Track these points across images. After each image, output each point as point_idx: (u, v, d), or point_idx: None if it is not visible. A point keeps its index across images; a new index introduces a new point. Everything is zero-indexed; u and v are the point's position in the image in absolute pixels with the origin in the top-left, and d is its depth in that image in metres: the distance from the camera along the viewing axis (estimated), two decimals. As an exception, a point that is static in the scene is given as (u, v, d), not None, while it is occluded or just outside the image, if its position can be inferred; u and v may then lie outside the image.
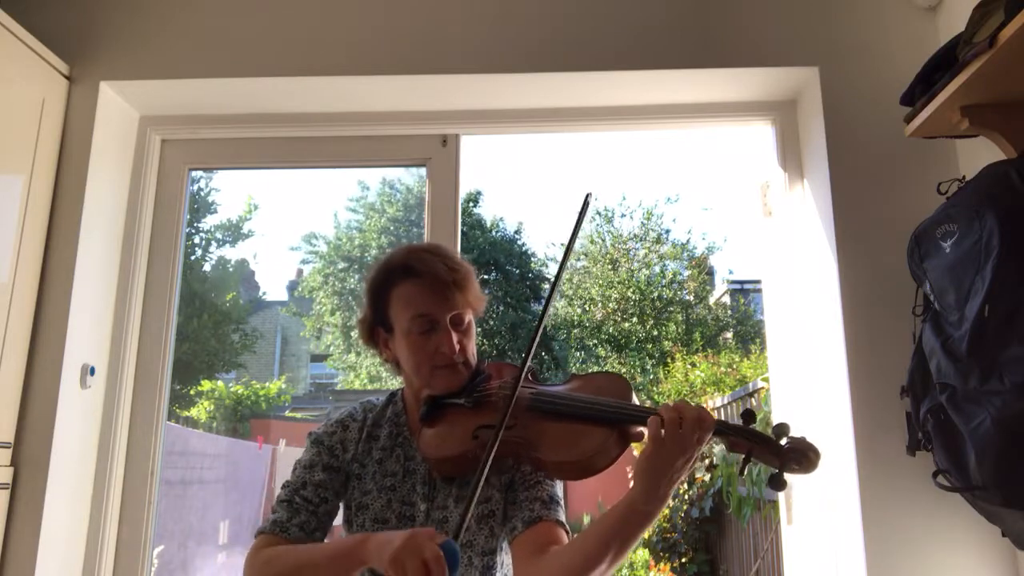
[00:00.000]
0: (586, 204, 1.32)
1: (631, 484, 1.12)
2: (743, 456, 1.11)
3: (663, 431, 1.07)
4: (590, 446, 1.16)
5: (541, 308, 1.28)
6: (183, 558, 4.92)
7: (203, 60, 2.05)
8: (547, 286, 12.54)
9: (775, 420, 2.11)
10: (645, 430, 1.12)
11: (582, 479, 1.21)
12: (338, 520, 1.40)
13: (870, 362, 1.80)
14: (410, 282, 1.33)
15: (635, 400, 1.25)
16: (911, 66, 1.66)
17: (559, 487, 1.31)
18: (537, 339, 1.21)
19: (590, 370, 10.81)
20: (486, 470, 1.09)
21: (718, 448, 6.05)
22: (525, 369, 1.20)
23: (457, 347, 1.32)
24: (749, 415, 1.12)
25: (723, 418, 6.06)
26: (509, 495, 1.29)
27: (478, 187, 12.29)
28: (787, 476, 1.08)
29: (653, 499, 1.08)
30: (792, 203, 2.09)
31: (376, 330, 1.39)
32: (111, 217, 2.09)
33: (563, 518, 1.26)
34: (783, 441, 1.09)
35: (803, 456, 1.07)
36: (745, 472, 1.16)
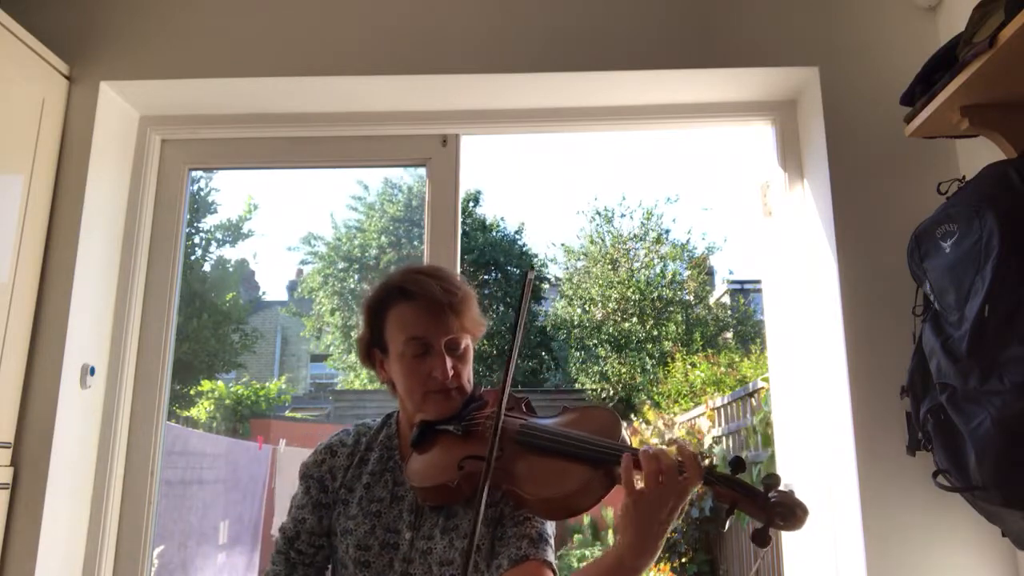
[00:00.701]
0: (527, 280, 1.25)
1: (617, 537, 1.08)
2: (726, 507, 1.06)
3: (639, 482, 1.02)
4: (572, 485, 1.12)
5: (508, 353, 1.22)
6: (183, 558, 4.92)
7: (203, 60, 2.05)
8: (547, 286, 12.55)
9: (775, 420, 2.12)
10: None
11: (565, 519, 1.17)
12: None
13: (870, 362, 1.80)
14: (405, 304, 1.31)
15: (624, 435, 1.20)
16: (911, 66, 1.66)
17: (550, 526, 1.26)
18: (510, 374, 1.17)
19: (586, 386, 10.81)
20: (482, 509, 1.06)
21: (719, 448, 6.05)
22: (505, 396, 1.16)
23: (451, 372, 1.29)
24: (739, 463, 1.07)
25: (721, 420, 6.06)
26: (497, 530, 1.25)
27: (478, 187, 12.31)
28: (772, 532, 1.03)
29: (641, 554, 1.02)
30: (792, 203, 2.09)
31: (373, 351, 1.38)
32: (111, 217, 2.09)
33: (551, 558, 1.22)
34: (771, 495, 1.04)
35: (790, 513, 1.02)
36: (727, 525, 1.10)
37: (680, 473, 1.03)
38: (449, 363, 1.29)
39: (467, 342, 1.34)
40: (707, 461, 1.09)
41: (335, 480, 1.35)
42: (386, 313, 1.33)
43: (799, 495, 1.04)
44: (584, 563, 1.08)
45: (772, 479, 1.06)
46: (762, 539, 1.03)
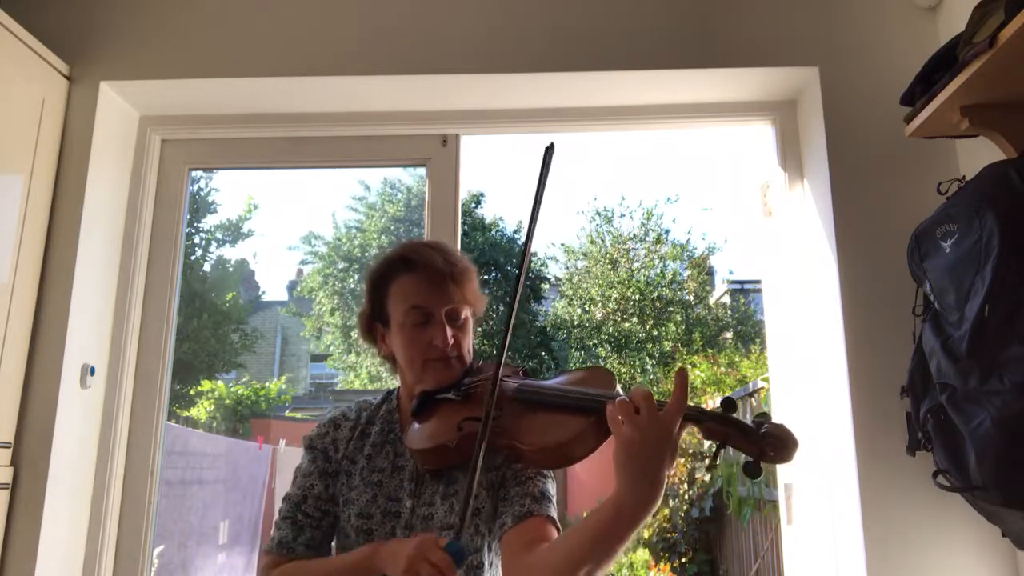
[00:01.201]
0: (548, 155, 1.26)
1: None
2: (717, 444, 1.04)
3: (621, 419, 1.00)
4: (567, 434, 1.14)
5: (517, 281, 1.22)
6: (183, 558, 4.92)
7: (203, 60, 2.05)
8: (547, 286, 12.54)
9: (775, 420, 2.11)
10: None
11: (562, 467, 1.19)
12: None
13: (870, 362, 1.80)
14: (407, 275, 1.34)
15: (619, 389, 1.21)
16: (911, 66, 1.66)
17: (551, 484, 1.28)
18: (516, 307, 1.19)
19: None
20: (480, 462, 1.09)
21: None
22: (504, 352, 1.18)
23: (451, 341, 1.31)
24: (729, 403, 1.05)
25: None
26: (500, 492, 1.27)
27: (481, 188, 12.30)
28: (764, 465, 1.01)
29: (636, 499, 0.99)
30: (792, 203, 2.09)
31: (374, 325, 1.40)
32: (111, 217, 2.09)
33: (554, 514, 1.23)
34: (762, 428, 1.02)
35: (781, 444, 1.00)
36: (719, 460, 1.09)
37: (648, 401, 1.00)
38: (449, 332, 1.31)
39: (467, 313, 1.36)
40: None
41: (337, 451, 1.37)
42: (388, 285, 1.35)
43: (789, 426, 1.03)
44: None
45: (763, 415, 1.06)
46: (753, 470, 1.02)
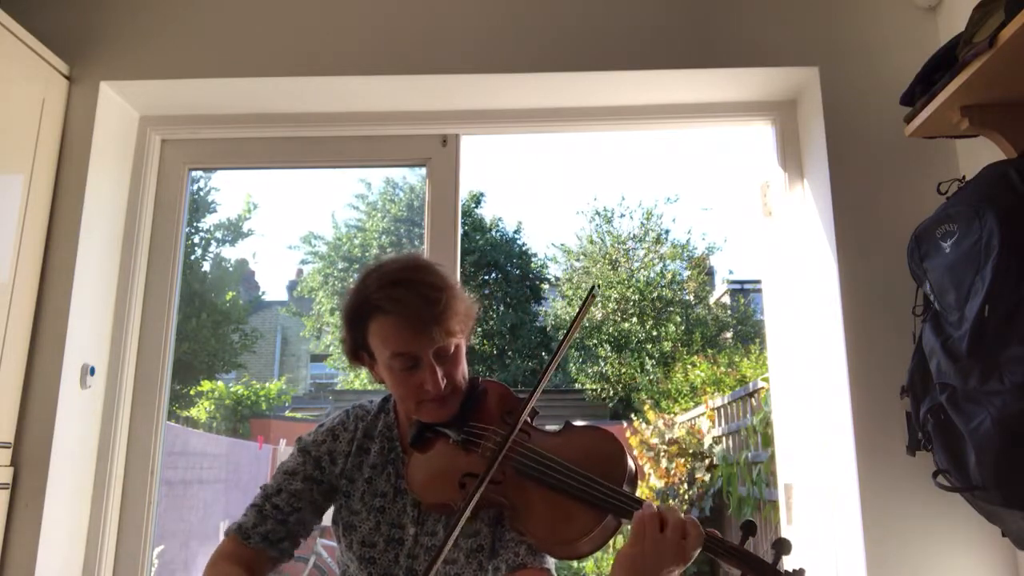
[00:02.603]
0: (591, 296, 1.24)
1: None
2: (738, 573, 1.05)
3: (646, 530, 1.01)
4: (577, 530, 1.09)
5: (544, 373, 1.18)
6: (184, 558, 4.92)
7: (203, 60, 2.05)
8: (547, 286, 12.54)
9: (776, 420, 2.12)
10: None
11: (565, 560, 1.16)
12: (327, 519, 1.38)
13: (870, 362, 1.80)
14: (385, 318, 1.21)
15: (629, 462, 1.17)
16: (911, 66, 1.66)
17: None
18: (535, 398, 1.16)
19: (587, 395, 10.74)
20: (458, 528, 1.05)
21: (719, 448, 6.05)
22: (515, 431, 1.13)
23: (443, 382, 1.23)
24: (749, 527, 1.05)
25: (722, 420, 6.06)
26: (497, 530, 1.24)
27: (481, 189, 12.30)
28: None
29: None
30: (792, 203, 2.09)
31: (360, 354, 1.31)
32: (111, 217, 2.09)
33: (550, 565, 1.20)
34: (779, 570, 1.03)
35: None
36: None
37: (681, 531, 1.02)
38: (440, 372, 1.22)
39: (457, 342, 1.26)
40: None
41: (335, 465, 1.34)
42: (366, 325, 1.24)
43: (808, 574, 1.04)
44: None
45: (782, 546, 1.05)
46: None
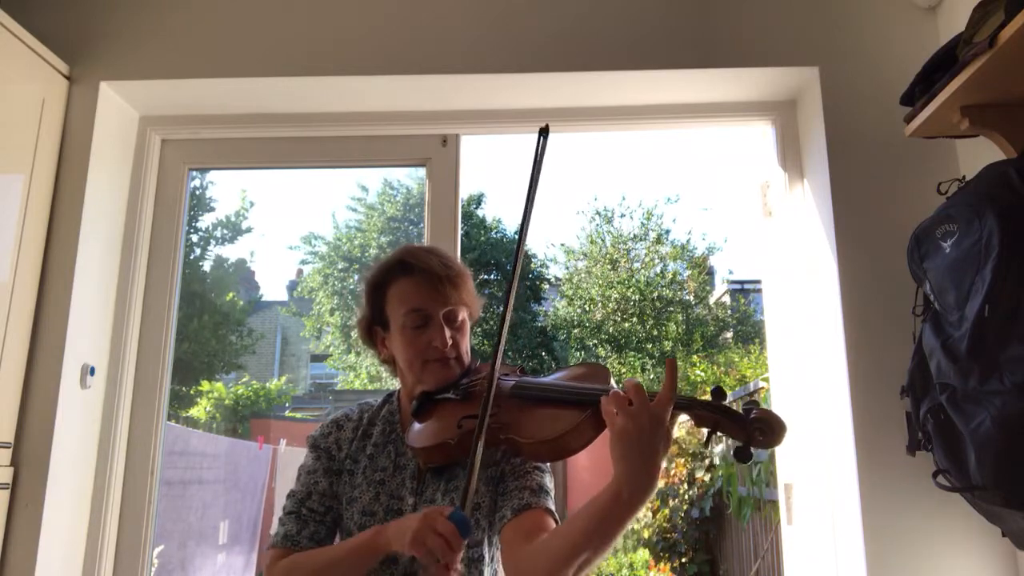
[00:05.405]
0: (543, 137, 1.33)
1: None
2: (708, 430, 1.09)
3: (615, 411, 1.05)
4: (563, 426, 1.18)
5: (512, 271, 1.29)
6: (183, 558, 4.92)
7: (203, 60, 2.05)
8: (547, 286, 12.54)
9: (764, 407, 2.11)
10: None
11: (560, 459, 1.23)
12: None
13: (870, 362, 1.80)
14: (406, 278, 1.37)
15: (613, 383, 1.25)
16: (911, 66, 1.66)
17: (549, 478, 1.32)
18: (512, 301, 1.24)
19: None
20: (480, 445, 1.12)
21: (719, 447, 6.05)
22: (500, 349, 1.22)
23: (449, 342, 1.35)
24: (719, 392, 1.10)
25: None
26: (499, 487, 1.30)
27: (481, 189, 12.29)
28: (754, 449, 1.06)
29: (634, 485, 1.03)
30: (792, 203, 2.09)
31: (374, 328, 1.43)
32: (111, 217, 2.09)
33: (552, 506, 1.27)
34: (751, 413, 1.07)
35: (769, 428, 1.04)
36: (710, 445, 1.13)
37: (639, 392, 1.06)
38: (448, 333, 1.35)
39: (464, 315, 1.40)
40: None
41: (341, 451, 1.40)
42: (387, 289, 1.39)
43: (777, 411, 1.07)
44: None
45: (752, 403, 1.09)
46: (743, 455, 1.06)
